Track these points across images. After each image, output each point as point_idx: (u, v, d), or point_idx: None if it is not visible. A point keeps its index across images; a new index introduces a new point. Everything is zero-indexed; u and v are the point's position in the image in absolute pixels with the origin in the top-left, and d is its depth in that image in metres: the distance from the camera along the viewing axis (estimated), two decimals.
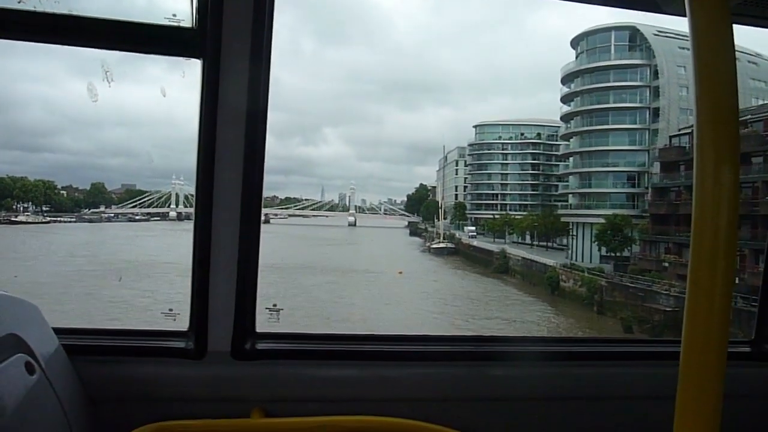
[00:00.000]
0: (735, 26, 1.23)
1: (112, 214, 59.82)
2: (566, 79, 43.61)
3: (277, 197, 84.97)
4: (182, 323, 2.61)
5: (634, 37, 38.24)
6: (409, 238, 64.07)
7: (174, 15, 2.56)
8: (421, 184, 77.11)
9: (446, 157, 66.29)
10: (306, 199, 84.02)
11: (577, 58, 42.72)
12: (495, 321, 30.15)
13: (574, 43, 42.81)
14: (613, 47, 38.43)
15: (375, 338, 2.84)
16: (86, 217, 57.44)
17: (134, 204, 61.08)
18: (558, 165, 55.16)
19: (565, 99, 44.27)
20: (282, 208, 77.97)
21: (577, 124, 42.22)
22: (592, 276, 32.68)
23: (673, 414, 1.11)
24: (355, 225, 72.52)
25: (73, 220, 56.28)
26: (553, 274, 36.50)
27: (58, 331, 2.27)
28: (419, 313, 31.15)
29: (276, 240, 57.43)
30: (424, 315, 30.80)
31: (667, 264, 30.38)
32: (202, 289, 2.52)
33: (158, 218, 60.62)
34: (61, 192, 57.59)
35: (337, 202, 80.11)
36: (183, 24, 2.49)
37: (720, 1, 1.13)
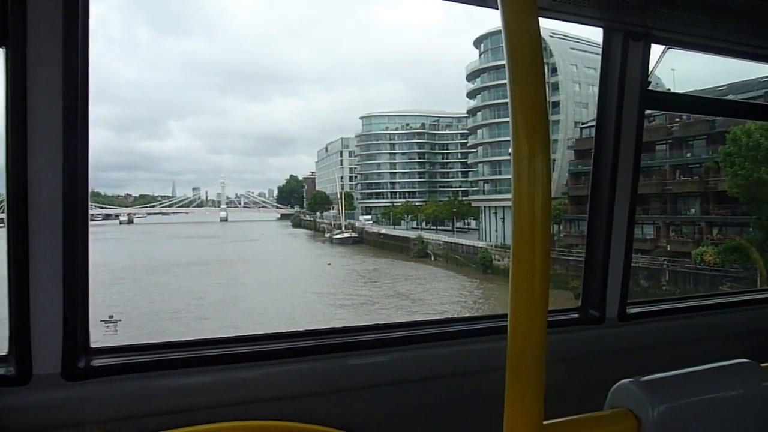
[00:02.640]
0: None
1: None
2: (471, 76, 47.02)
3: (130, 195, 78.77)
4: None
5: None
6: (294, 230, 63.79)
7: None
8: (292, 176, 76.91)
9: (327, 148, 66.93)
10: (161, 196, 79.27)
11: (481, 56, 46.29)
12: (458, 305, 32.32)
13: (477, 42, 46.34)
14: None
15: (226, 341, 2.71)
16: None
17: None
18: (443, 153, 59.14)
19: (471, 94, 47.69)
20: (144, 207, 72.42)
21: (484, 117, 45.77)
22: None
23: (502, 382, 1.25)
24: (227, 220, 70.11)
25: None
26: (486, 254, 39.44)
27: None
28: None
29: (166, 241, 53.65)
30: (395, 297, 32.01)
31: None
32: (22, 305, 2.28)
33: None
34: None
35: (191, 197, 76.70)
36: None
37: None
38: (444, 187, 58.28)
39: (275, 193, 77.41)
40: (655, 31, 3.26)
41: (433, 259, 43.70)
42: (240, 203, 74.67)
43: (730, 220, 31.49)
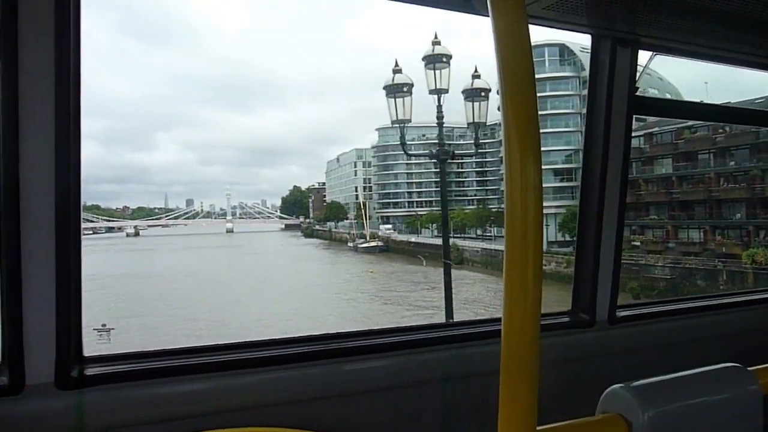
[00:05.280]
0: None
1: None
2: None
3: (128, 207, 77.09)
4: None
5: (563, 52, 44.68)
6: (308, 240, 63.99)
7: None
8: (295, 186, 77.03)
9: (338, 159, 67.55)
10: (158, 208, 77.88)
11: None
12: None
13: None
14: (546, 61, 44.35)
15: (222, 348, 2.70)
16: None
17: None
18: (458, 163, 60.70)
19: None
20: (150, 219, 71.06)
21: None
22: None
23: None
24: (233, 231, 69.61)
25: None
26: None
27: None
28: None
29: (187, 254, 53.10)
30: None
31: (638, 243, 37.12)
32: (14, 314, 2.28)
33: None
34: None
35: (184, 208, 75.77)
36: None
37: (518, 3, 1.21)
38: (459, 196, 59.83)
39: (268, 203, 77.39)
40: (643, 38, 3.29)
41: (471, 265, 44.96)
42: (236, 214, 74.24)
43: None
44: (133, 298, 33.84)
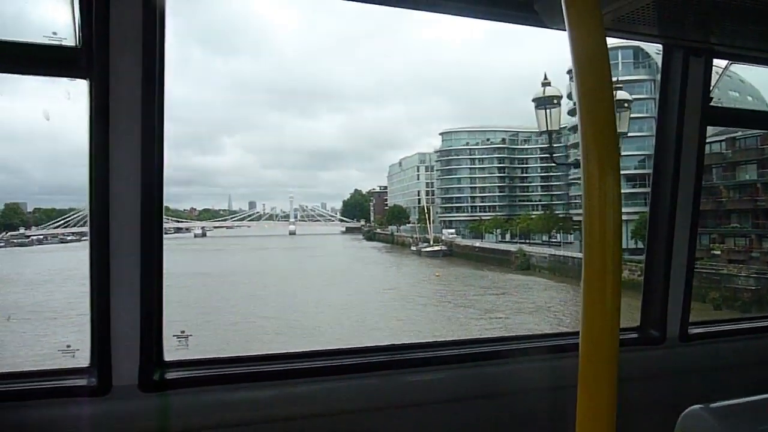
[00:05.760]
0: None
1: (42, 236, 52.68)
2: (572, 96, 47.80)
3: (195, 209, 79.70)
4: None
5: (638, 54, 43.72)
6: (369, 243, 64.49)
7: (54, 33, 2.39)
8: (356, 190, 77.79)
9: (401, 163, 67.88)
10: (223, 210, 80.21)
11: None
12: None
13: None
14: (620, 64, 43.41)
15: (288, 356, 2.80)
16: (15, 241, 50.02)
17: (58, 224, 54.76)
18: (522, 168, 60.05)
19: (572, 112, 48.62)
20: (217, 221, 73.23)
21: None
22: None
23: (571, 401, 1.28)
24: (295, 233, 70.82)
25: (2, 244, 48.84)
26: None
27: None
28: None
29: (254, 255, 54.41)
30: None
31: (719, 252, 35.94)
32: (103, 319, 2.40)
33: (86, 238, 55.31)
34: None
35: (247, 210, 77.63)
36: (65, 42, 2.35)
37: (594, 16, 1.21)
38: (523, 201, 59.14)
39: (328, 206, 78.32)
40: (717, 47, 3.19)
41: (538, 271, 44.36)
42: (296, 217, 75.45)
43: None
44: (212, 297, 34.87)
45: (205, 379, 2.61)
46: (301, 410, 2.68)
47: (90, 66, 2.31)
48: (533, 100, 11.05)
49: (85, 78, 2.34)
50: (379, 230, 66.88)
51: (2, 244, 49.38)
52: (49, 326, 27.23)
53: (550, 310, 32.46)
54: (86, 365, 2.47)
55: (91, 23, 2.29)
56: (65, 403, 2.39)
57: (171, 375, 2.54)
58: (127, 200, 2.40)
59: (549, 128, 10.80)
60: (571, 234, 50.88)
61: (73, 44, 2.34)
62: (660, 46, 3.31)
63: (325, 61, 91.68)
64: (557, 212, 53.95)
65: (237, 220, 73.37)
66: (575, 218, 49.28)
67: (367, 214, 72.62)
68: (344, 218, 74.29)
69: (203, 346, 24.63)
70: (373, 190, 73.75)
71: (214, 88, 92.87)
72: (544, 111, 10.89)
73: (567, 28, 1.22)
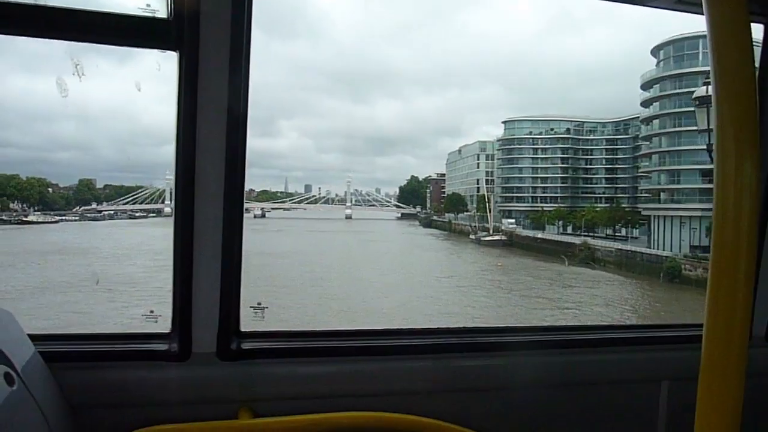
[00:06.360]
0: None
1: (113, 212, 54.97)
2: (647, 85, 46.62)
3: (254, 190, 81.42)
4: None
5: None
6: (426, 230, 64.47)
7: (148, 5, 2.44)
8: (413, 176, 77.77)
9: (460, 150, 67.44)
10: (280, 192, 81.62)
11: (658, 64, 45.78)
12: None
13: (656, 50, 45.77)
14: (701, 54, 41.78)
15: (361, 333, 2.85)
16: (88, 215, 52.40)
17: (127, 200, 56.94)
18: (586, 159, 58.75)
19: (646, 103, 47.34)
20: (276, 202, 74.63)
21: (662, 125, 45.36)
22: None
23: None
24: (351, 217, 71.43)
25: (77, 218, 51.22)
26: (673, 263, 38.87)
27: (34, 338, 2.25)
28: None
29: (314, 237, 55.24)
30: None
31: None
32: (185, 289, 2.49)
33: (154, 214, 57.57)
34: (48, 189, 52.35)
35: (303, 193, 78.64)
36: (158, 14, 2.40)
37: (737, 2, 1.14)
38: (586, 193, 57.94)
39: (382, 191, 78.51)
40: None
41: (603, 265, 43.47)
42: (351, 201, 75.98)
43: None
44: (280, 276, 35.58)
45: (279, 350, 2.67)
46: (375, 388, 2.69)
47: (180, 38, 2.35)
48: (694, 99, 10.82)
49: (174, 50, 2.37)
50: (435, 217, 66.74)
51: (77, 218, 51.68)
52: (132, 295, 28.46)
53: (625, 305, 31.80)
54: (167, 331, 2.55)
55: None
56: (149, 366, 2.50)
57: (247, 345, 2.59)
58: (211, 176, 2.44)
59: (710, 127, 10.48)
60: (636, 228, 49.66)
61: (165, 16, 2.38)
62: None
63: (382, 47, 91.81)
64: (623, 206, 52.65)
65: (295, 202, 74.47)
66: (643, 212, 48.04)
67: (424, 201, 72.53)
68: (399, 204, 74.46)
69: (276, 322, 25.23)
70: (430, 177, 73.53)
71: (274, 71, 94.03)
72: (705, 109, 10.59)
73: (705, 11, 1.17)
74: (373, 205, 75.89)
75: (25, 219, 46.81)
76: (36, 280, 30.19)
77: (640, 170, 51.10)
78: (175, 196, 2.48)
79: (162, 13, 2.38)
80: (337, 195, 76.99)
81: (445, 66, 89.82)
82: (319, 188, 79.08)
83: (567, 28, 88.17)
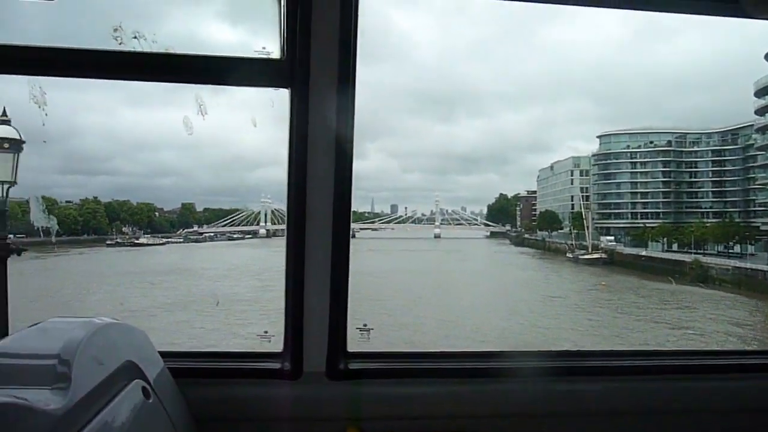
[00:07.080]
0: None
1: (213, 233, 57.81)
2: (762, 92, 43.97)
3: None
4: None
5: None
6: (518, 249, 63.13)
7: (263, 48, 2.68)
8: (501, 194, 76.70)
9: (552, 167, 65.94)
10: (367, 212, 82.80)
11: None
12: None
13: None
14: None
15: (461, 355, 2.90)
16: (191, 237, 55.45)
17: (225, 222, 59.72)
18: (690, 172, 55.87)
19: (761, 111, 44.56)
20: (366, 222, 75.74)
21: None
22: None
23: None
24: (440, 237, 71.11)
25: (181, 240, 54.28)
26: None
27: (162, 355, 2.32)
28: None
29: (408, 256, 55.41)
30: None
31: None
32: (297, 310, 2.61)
33: (250, 236, 59.90)
34: (155, 213, 55.95)
35: (389, 213, 79.05)
36: (272, 56, 2.60)
37: None
38: (691, 208, 54.94)
39: (468, 209, 77.59)
40: None
41: (719, 284, 40.80)
42: (439, 220, 75.64)
43: None
44: (380, 295, 35.73)
45: (386, 371, 2.80)
46: (477, 409, 2.74)
47: (292, 76, 2.58)
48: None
49: (287, 87, 2.60)
50: (527, 235, 65.27)
51: (181, 240, 54.66)
52: (244, 314, 29.44)
53: (755, 327, 29.65)
54: (279, 351, 2.71)
55: (294, 37, 2.55)
56: (264, 384, 2.68)
57: (354, 365, 2.72)
58: (320, 205, 2.63)
59: None
60: (752, 245, 46.43)
61: (278, 57, 2.62)
62: None
63: (462, 66, 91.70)
64: (737, 220, 49.43)
65: (384, 222, 75.10)
66: (762, 227, 44.87)
67: (513, 219, 71.17)
68: (488, 222, 73.43)
69: (381, 341, 25.40)
70: (520, 195, 72.19)
71: (359, 96, 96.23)
72: None
73: None
74: (461, 224, 75.29)
75: (136, 241, 50.43)
76: (161, 299, 31.84)
77: (756, 182, 47.90)
78: (288, 222, 2.65)
79: (275, 54, 2.63)
80: (423, 214, 77.36)
81: (528, 81, 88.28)
82: (405, 208, 79.71)
83: (655, 35, 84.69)
